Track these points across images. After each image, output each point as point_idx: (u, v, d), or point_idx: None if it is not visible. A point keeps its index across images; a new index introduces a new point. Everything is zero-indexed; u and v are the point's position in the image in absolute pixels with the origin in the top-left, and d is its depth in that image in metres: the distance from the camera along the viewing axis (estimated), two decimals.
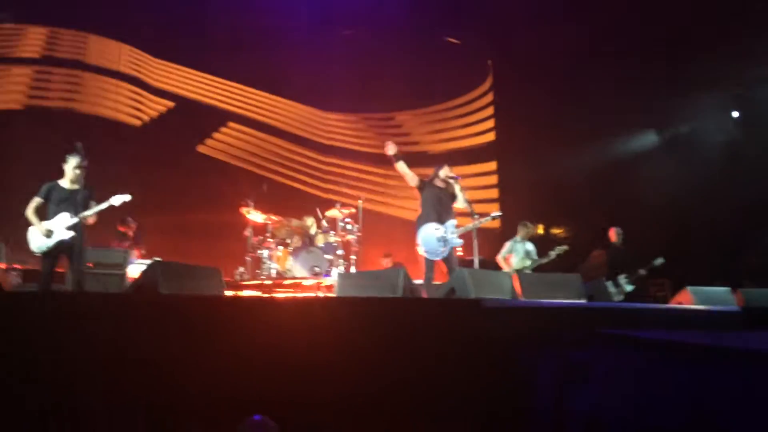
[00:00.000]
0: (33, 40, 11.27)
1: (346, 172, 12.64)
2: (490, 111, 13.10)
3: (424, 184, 6.84)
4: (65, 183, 6.17)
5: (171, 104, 12.07)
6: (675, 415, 2.85)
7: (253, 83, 12.61)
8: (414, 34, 12.14)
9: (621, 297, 8.64)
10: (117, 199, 6.18)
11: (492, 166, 12.74)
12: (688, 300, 6.40)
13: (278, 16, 11.36)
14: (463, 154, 12.66)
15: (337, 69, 11.87)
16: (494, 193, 12.58)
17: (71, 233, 5.94)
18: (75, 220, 5.95)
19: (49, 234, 5.95)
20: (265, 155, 12.47)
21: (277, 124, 12.72)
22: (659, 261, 8.76)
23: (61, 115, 11.01)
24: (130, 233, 8.99)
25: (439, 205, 6.69)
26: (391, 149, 6.74)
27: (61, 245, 5.97)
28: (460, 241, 6.70)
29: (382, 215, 12.06)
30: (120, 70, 11.83)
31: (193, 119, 12.11)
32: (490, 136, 13.02)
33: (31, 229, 6.03)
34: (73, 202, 6.00)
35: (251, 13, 11.33)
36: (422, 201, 6.84)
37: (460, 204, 6.80)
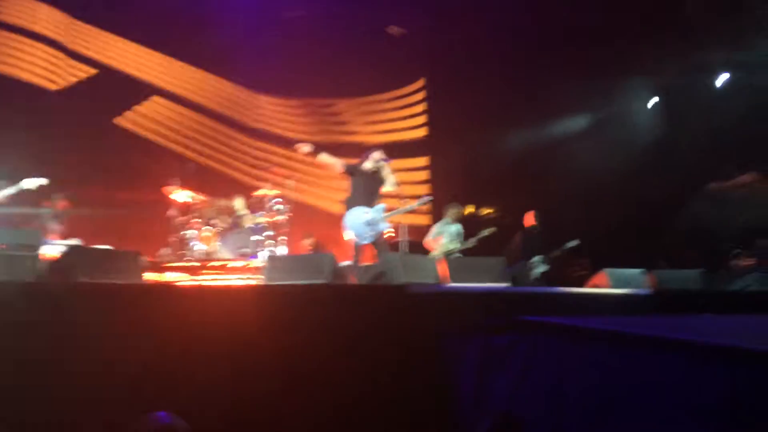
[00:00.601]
0: None
1: (275, 158, 12.37)
2: (423, 105, 13.06)
3: (353, 169, 6.84)
4: None
5: (92, 71, 11.47)
6: (580, 402, 3.00)
7: (183, 58, 12.12)
8: (357, 19, 11.94)
9: (536, 278, 8.92)
10: (30, 182, 5.86)
11: (424, 161, 12.75)
12: (603, 282, 6.67)
13: None
14: (398, 147, 12.58)
15: (276, 50, 11.58)
16: (424, 176, 12.65)
17: None
18: None
19: None
20: (191, 134, 12.03)
21: (205, 102, 12.28)
22: (573, 243, 9.09)
23: None
24: (56, 209, 8.49)
25: (367, 190, 6.72)
26: (305, 148, 6.74)
27: None
28: (388, 225, 6.76)
29: (309, 205, 11.90)
30: (36, 30, 11.16)
31: (115, 90, 11.54)
32: (423, 131, 12.98)
33: None
34: None
35: None
36: (351, 185, 6.84)
37: (389, 186, 6.84)
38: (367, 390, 4.07)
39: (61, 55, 11.31)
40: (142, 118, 11.66)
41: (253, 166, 12.23)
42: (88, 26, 11.62)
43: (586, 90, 11.29)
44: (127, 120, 11.53)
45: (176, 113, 11.97)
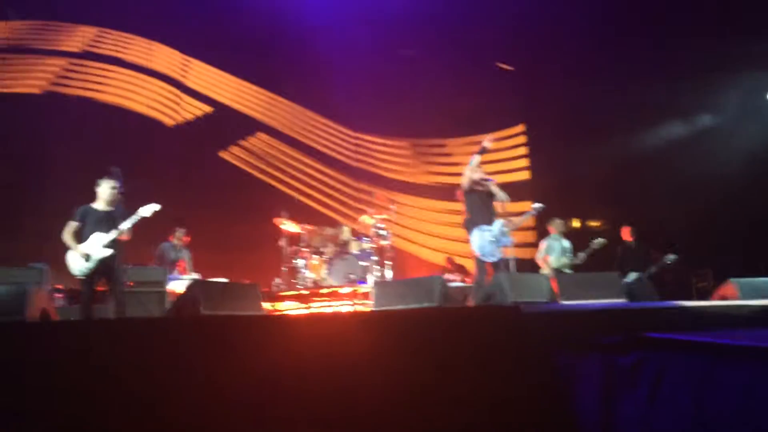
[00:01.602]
0: (74, 36, 11.52)
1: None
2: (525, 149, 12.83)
3: (470, 188, 6.89)
4: (99, 205, 6.25)
5: (206, 108, 12.13)
6: (725, 427, 2.78)
7: (289, 95, 12.58)
8: (464, 59, 11.97)
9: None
10: (146, 210, 6.22)
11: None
12: (732, 293, 6.24)
13: (326, 34, 11.31)
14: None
15: (384, 90, 11.82)
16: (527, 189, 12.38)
17: (109, 251, 6.03)
18: (111, 236, 6.03)
19: (87, 257, 6.01)
20: (293, 170, 12.42)
21: (310, 142, 12.64)
22: (671, 258, 8.52)
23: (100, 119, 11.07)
24: (180, 243, 9.01)
25: (485, 207, 6.78)
26: (487, 144, 6.89)
27: (100, 265, 6.04)
28: (512, 239, 6.73)
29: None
30: (156, 68, 11.99)
31: (224, 125, 12.14)
32: (526, 174, 12.72)
33: (69, 252, 6.09)
34: (108, 222, 6.11)
35: (300, 29, 11.34)
36: (468, 205, 6.91)
37: (501, 199, 6.87)
38: (483, 416, 3.99)
39: (176, 91, 12.05)
40: (247, 154, 12.19)
41: (354, 200, 12.42)
42: (200, 63, 12.34)
43: (694, 92, 10.70)
44: (233, 155, 12.09)
45: (278, 150, 12.42)
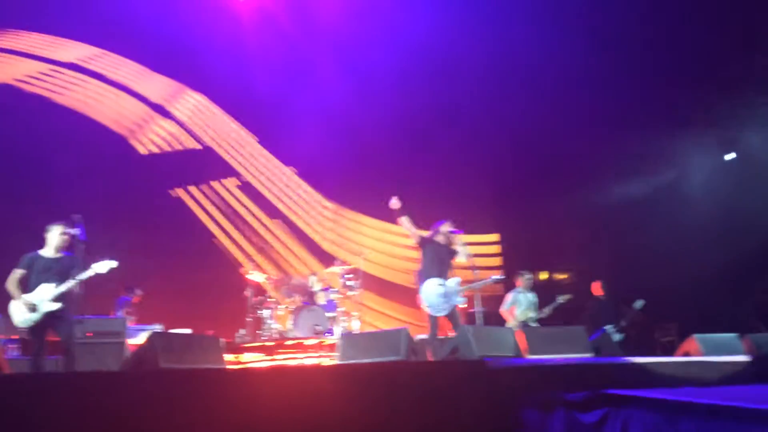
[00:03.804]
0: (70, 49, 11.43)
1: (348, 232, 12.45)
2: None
3: (425, 241, 6.85)
4: (48, 252, 5.99)
5: (188, 141, 11.92)
6: None
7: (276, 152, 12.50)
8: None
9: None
10: (101, 266, 5.99)
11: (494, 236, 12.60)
12: (695, 348, 6.31)
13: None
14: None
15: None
16: (494, 247, 12.42)
17: (57, 305, 5.77)
18: (61, 289, 5.77)
19: (33, 308, 5.73)
20: (261, 221, 12.16)
21: (282, 196, 12.51)
22: (639, 304, 8.71)
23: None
24: (135, 300, 8.90)
25: (439, 261, 6.68)
26: (395, 204, 6.79)
27: (47, 318, 5.75)
28: (463, 299, 6.69)
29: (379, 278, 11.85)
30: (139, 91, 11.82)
31: (200, 164, 11.89)
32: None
33: (12, 302, 5.80)
34: (56, 271, 5.84)
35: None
36: (423, 256, 6.83)
37: (462, 258, 6.81)
38: None
39: (151, 112, 11.73)
40: (216, 197, 11.89)
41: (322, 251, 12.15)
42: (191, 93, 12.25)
43: (660, 149, 11.02)
44: (201, 195, 11.77)
45: (247, 197, 12.27)
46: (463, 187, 11.53)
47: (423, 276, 6.67)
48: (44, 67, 11.19)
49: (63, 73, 11.29)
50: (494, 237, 12.42)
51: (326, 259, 11.07)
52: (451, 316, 6.56)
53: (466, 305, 7.27)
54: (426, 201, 10.06)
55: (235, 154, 12.25)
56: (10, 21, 11.01)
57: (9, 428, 3.51)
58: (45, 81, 11.16)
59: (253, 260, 9.32)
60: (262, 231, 12.01)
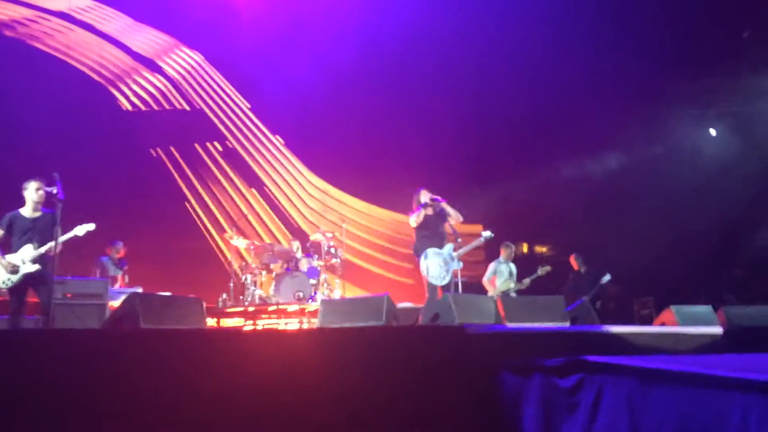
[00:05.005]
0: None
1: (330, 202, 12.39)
2: None
3: (419, 217, 6.91)
4: (27, 211, 5.96)
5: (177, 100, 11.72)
6: None
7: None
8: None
9: None
10: (81, 229, 6.04)
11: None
12: (671, 320, 6.43)
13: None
14: None
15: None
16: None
17: (36, 266, 5.78)
18: (41, 251, 5.78)
19: (14, 269, 5.73)
20: (248, 186, 12.07)
21: (265, 162, 12.39)
22: (605, 278, 8.88)
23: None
24: (117, 257, 8.81)
25: (433, 232, 6.82)
26: (424, 197, 6.85)
27: (26, 279, 5.78)
28: (461, 264, 6.79)
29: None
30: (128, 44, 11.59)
31: (186, 123, 11.72)
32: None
33: None
34: (37, 231, 5.84)
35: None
36: (417, 230, 6.92)
37: (455, 219, 6.89)
38: (427, 429, 3.99)
39: (137, 65, 11.56)
40: (200, 160, 11.76)
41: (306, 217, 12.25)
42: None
43: (644, 121, 11.06)
44: (185, 156, 11.61)
45: (232, 160, 12.14)
46: (446, 159, 11.53)
47: (421, 248, 6.79)
48: (31, 13, 10.91)
49: (50, 21, 11.01)
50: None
51: (310, 227, 11.07)
52: (448, 284, 6.70)
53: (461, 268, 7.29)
54: (405, 172, 10.12)
55: (224, 118, 12.07)
56: None
57: None
58: (29, 26, 10.88)
59: (236, 226, 9.25)
60: (244, 197, 11.93)
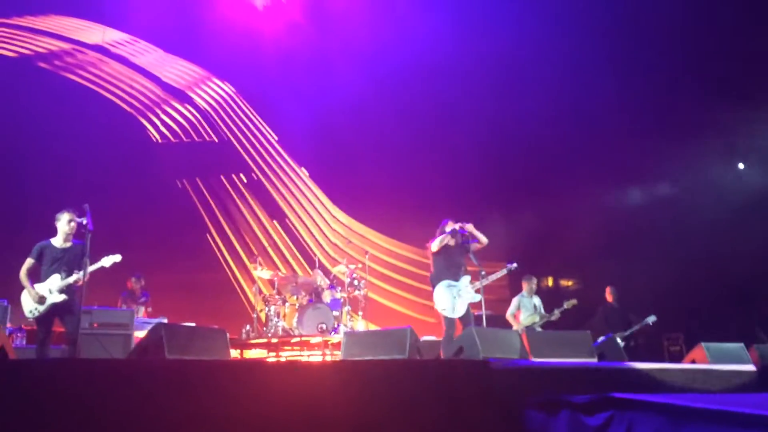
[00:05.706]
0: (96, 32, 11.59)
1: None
2: None
3: (439, 250, 6.85)
4: (57, 242, 6.04)
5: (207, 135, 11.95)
6: None
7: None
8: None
9: None
10: (108, 260, 6.12)
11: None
12: (702, 357, 6.29)
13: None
14: None
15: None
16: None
17: (63, 296, 5.84)
18: (67, 281, 5.85)
19: (41, 299, 5.80)
20: (270, 217, 12.18)
21: (288, 195, 12.52)
22: (651, 319, 8.61)
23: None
24: (138, 289, 8.92)
25: (451, 263, 6.71)
26: (449, 227, 6.79)
27: (53, 309, 5.83)
28: (479, 296, 6.67)
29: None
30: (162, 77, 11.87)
31: (211, 154, 11.91)
32: None
33: (24, 292, 5.87)
34: (65, 261, 5.92)
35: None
36: (435, 260, 6.84)
37: (483, 242, 6.84)
38: None
39: (164, 94, 11.82)
40: (225, 191, 11.90)
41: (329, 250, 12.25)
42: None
43: (671, 156, 10.97)
44: (209, 187, 11.77)
45: (256, 192, 12.26)
46: (469, 190, 11.53)
47: (435, 279, 6.71)
48: (69, 46, 11.28)
49: (86, 54, 11.36)
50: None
51: (330, 261, 11.09)
52: (465, 317, 6.58)
53: (482, 299, 7.18)
54: (431, 205, 10.12)
55: (251, 150, 12.23)
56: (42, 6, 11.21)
57: (14, 413, 3.53)
58: (64, 58, 11.24)
59: (260, 257, 9.31)
60: (265, 230, 12.00)
